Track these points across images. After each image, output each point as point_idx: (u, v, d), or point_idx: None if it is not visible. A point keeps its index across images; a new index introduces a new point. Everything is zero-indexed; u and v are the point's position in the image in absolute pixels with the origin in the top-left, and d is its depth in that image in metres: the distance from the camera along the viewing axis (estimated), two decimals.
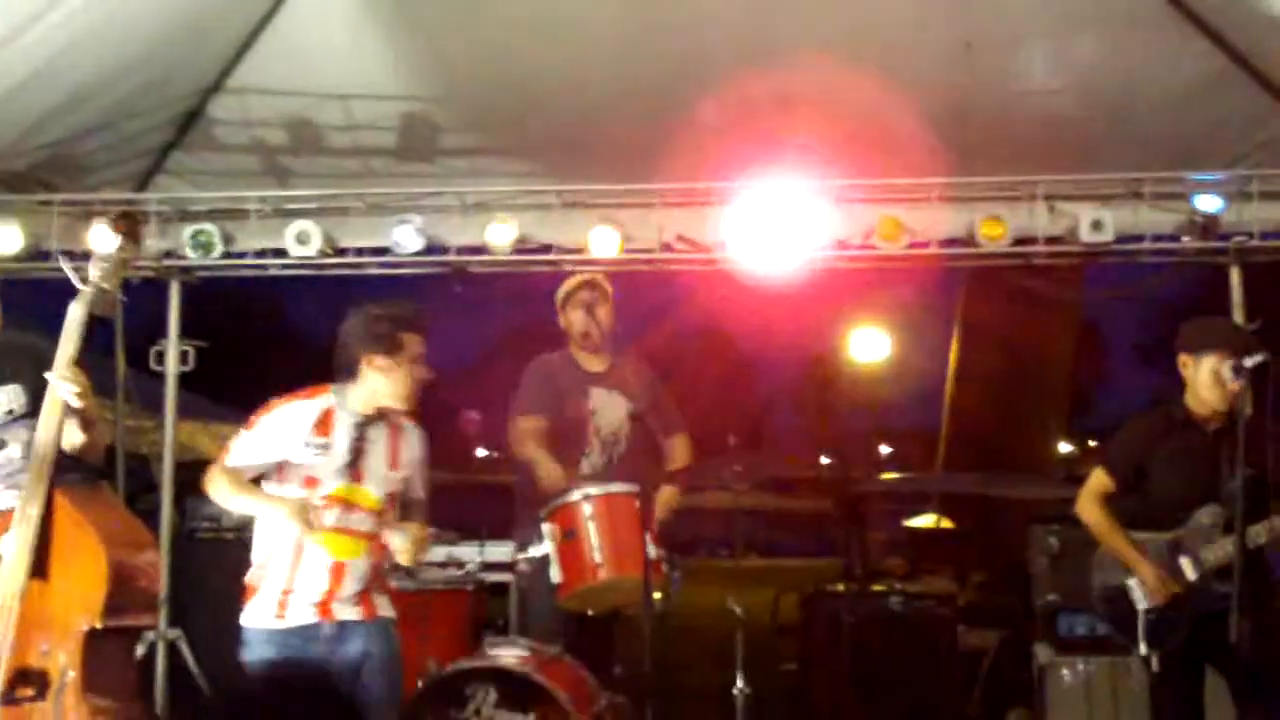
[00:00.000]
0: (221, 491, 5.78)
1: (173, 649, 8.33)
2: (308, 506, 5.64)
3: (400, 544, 5.85)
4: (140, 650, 8.03)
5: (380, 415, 5.90)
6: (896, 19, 8.04)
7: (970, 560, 12.89)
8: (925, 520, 16.15)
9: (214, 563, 8.36)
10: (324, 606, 5.80)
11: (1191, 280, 8.72)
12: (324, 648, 5.81)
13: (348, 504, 5.80)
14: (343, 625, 5.82)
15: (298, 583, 5.78)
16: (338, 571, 5.81)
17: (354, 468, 5.81)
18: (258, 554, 5.88)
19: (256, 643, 5.80)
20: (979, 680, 9.54)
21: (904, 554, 12.84)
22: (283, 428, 5.80)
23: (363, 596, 5.89)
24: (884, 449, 29.81)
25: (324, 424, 5.81)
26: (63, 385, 5.14)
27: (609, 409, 7.71)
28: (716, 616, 7.36)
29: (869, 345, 24.94)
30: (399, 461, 5.96)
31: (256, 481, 5.84)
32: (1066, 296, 13.98)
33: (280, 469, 5.81)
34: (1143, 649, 5.94)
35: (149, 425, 9.59)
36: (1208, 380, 6.01)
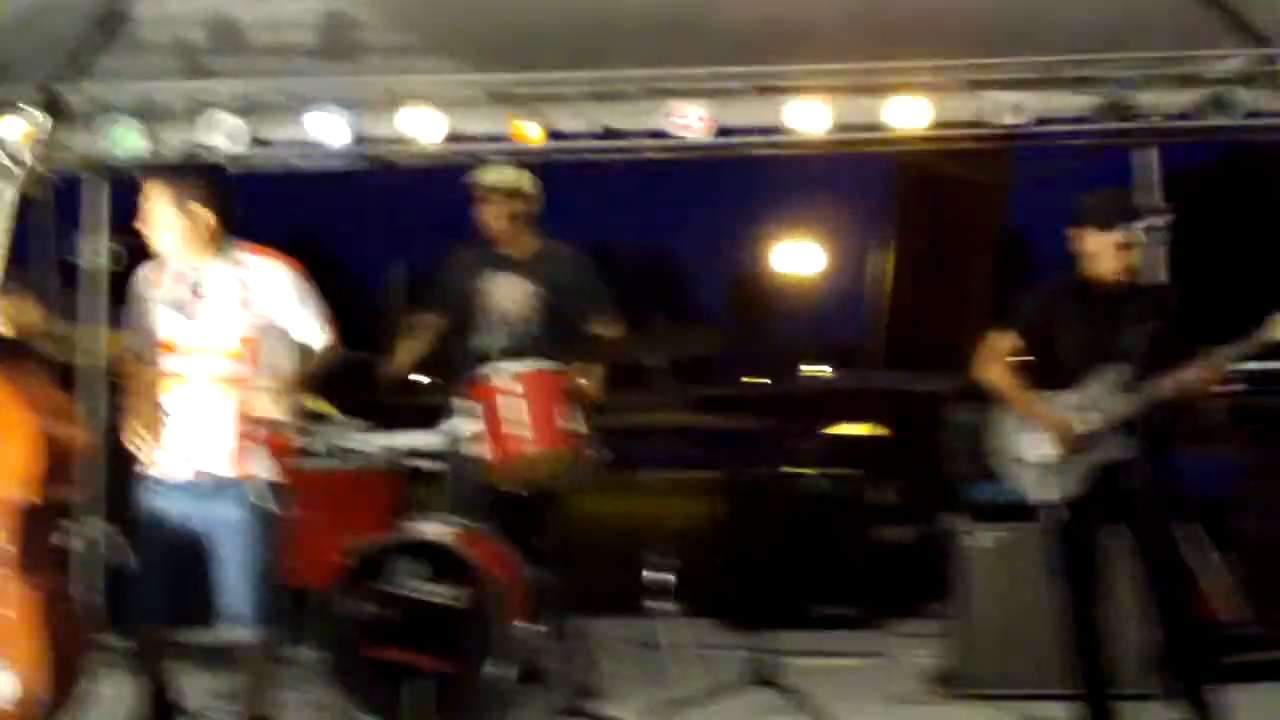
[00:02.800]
0: (126, 378, 6.04)
1: (108, 543, 8.38)
2: (158, 376, 5.84)
3: (259, 394, 5.84)
4: (76, 544, 8.12)
5: (220, 259, 5.93)
6: None
7: (898, 465, 13.06)
8: (852, 428, 16.33)
9: None
10: (190, 459, 5.87)
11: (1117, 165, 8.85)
12: (199, 499, 5.86)
13: (188, 350, 5.87)
14: (217, 479, 5.86)
15: (170, 434, 5.86)
16: (195, 419, 5.85)
17: (188, 312, 5.88)
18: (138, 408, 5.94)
19: (142, 494, 5.93)
20: (899, 572, 9.73)
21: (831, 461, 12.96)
22: (135, 291, 6.00)
23: (235, 451, 5.87)
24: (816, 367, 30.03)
25: (160, 277, 5.96)
26: None
27: (513, 292, 7.76)
28: (640, 518, 7.50)
29: (802, 257, 25.19)
30: (247, 301, 5.90)
31: None
32: (994, 184, 14.11)
33: (138, 330, 5.98)
34: (1042, 502, 6.08)
35: (71, 332, 9.56)
36: (1107, 250, 6.10)
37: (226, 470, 5.84)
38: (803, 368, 25.69)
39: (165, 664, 6.04)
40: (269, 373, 5.88)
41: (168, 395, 5.86)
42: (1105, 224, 6.13)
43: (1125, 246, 6.06)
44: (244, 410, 5.83)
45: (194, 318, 5.87)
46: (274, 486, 5.92)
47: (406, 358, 7.71)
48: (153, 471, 5.90)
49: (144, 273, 5.99)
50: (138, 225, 5.92)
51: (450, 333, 7.89)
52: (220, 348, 5.87)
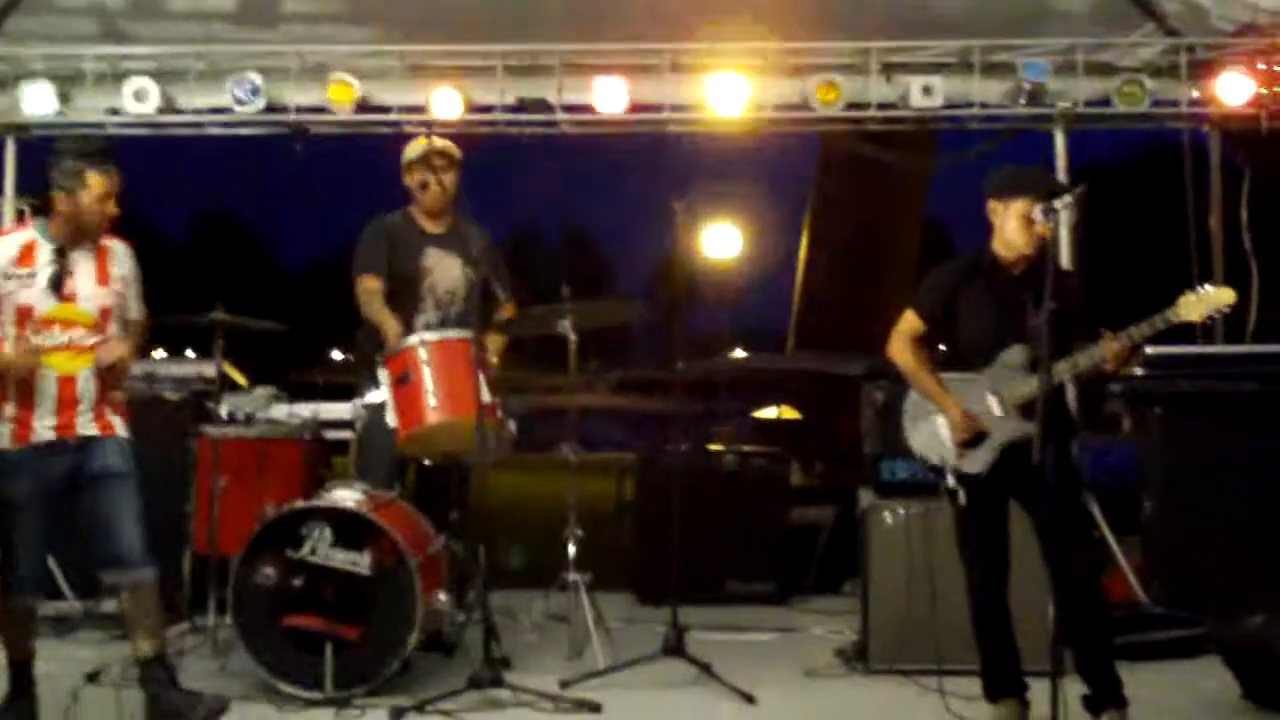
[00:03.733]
0: None
1: None
2: (27, 349, 5.96)
3: (105, 356, 6.12)
4: None
5: (80, 240, 6.16)
6: None
7: (814, 447, 13.12)
8: (771, 412, 16.41)
9: None
10: (64, 422, 6.07)
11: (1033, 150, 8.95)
12: (68, 462, 6.06)
13: (65, 323, 6.08)
14: (85, 440, 6.09)
15: (35, 401, 6.03)
16: (67, 387, 6.08)
17: (60, 290, 6.08)
18: None
19: (7, 463, 5.99)
20: (816, 552, 9.79)
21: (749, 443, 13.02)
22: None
23: (98, 413, 6.15)
24: (739, 352, 30.12)
25: (27, 256, 6.08)
26: None
27: (444, 268, 7.79)
28: (558, 496, 7.50)
29: (722, 240, 25.27)
30: (108, 279, 6.23)
31: None
32: (912, 168, 14.19)
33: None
34: (950, 482, 6.13)
35: None
36: (1016, 224, 6.14)
37: (93, 430, 6.10)
38: (722, 352, 25.87)
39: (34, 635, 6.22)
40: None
41: (49, 367, 6.06)
42: (1008, 193, 6.17)
43: (1029, 218, 6.11)
44: (102, 372, 6.13)
45: (63, 292, 6.09)
46: (130, 443, 6.22)
47: (394, 328, 7.58)
48: (6, 444, 6.00)
49: (7, 250, 6.08)
50: (104, 205, 6.13)
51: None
52: (84, 320, 6.13)
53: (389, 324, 7.48)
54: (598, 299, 9.29)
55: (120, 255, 6.32)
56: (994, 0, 8.67)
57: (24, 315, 6.02)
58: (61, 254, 6.09)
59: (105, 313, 6.18)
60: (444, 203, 7.81)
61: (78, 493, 6.08)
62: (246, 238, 47.99)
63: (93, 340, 6.13)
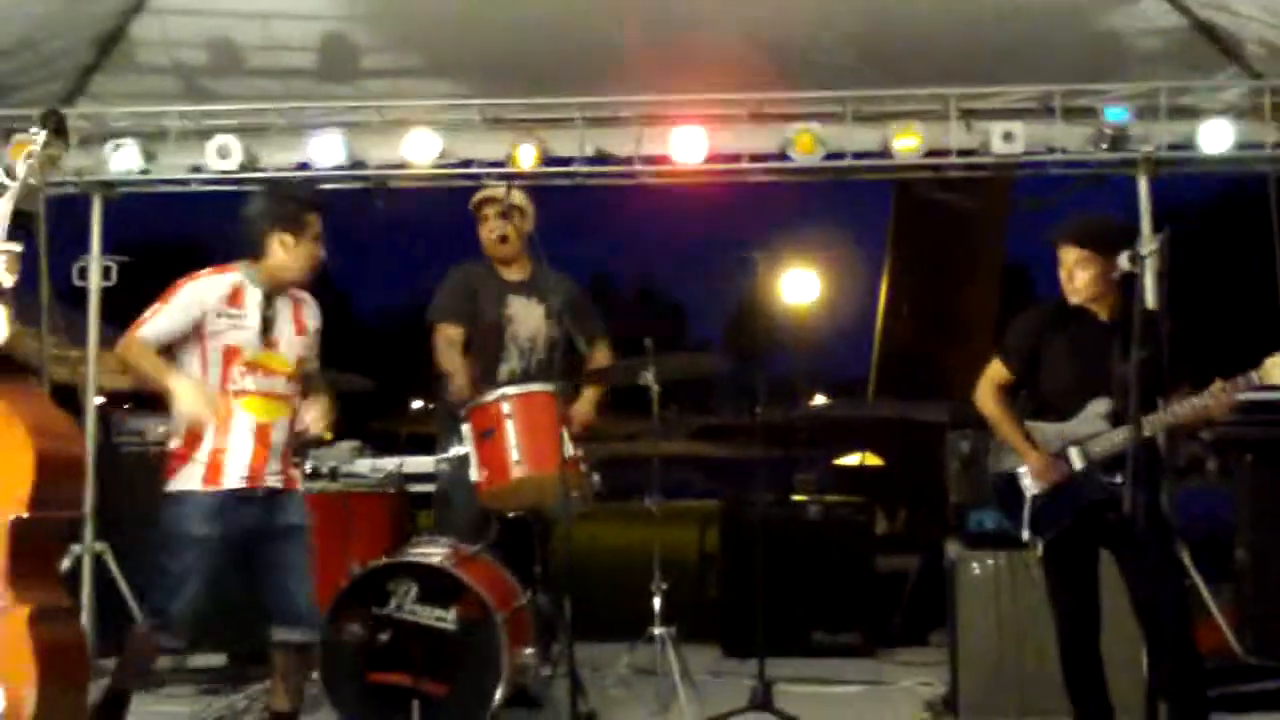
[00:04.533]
0: (132, 365, 6.05)
1: (99, 563, 8.37)
2: (206, 394, 5.95)
3: (314, 413, 6.26)
4: (66, 564, 8.12)
5: (282, 288, 6.25)
6: None
7: (898, 494, 13.05)
8: (853, 459, 16.33)
9: (140, 477, 8.38)
10: (255, 472, 6.08)
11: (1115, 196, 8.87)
12: (254, 515, 6.10)
13: (266, 369, 6.15)
14: (272, 492, 6.13)
15: (230, 444, 6.05)
16: (263, 435, 6.12)
17: (268, 335, 6.16)
18: (178, 420, 6.03)
19: (192, 507, 6.00)
20: (902, 602, 9.71)
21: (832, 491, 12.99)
22: (196, 300, 6.08)
23: (284, 466, 6.22)
24: (819, 397, 30.01)
25: (235, 297, 6.14)
26: None
27: (526, 316, 7.82)
28: (641, 546, 7.49)
29: (801, 286, 25.22)
30: (304, 329, 6.34)
31: (169, 351, 6.08)
32: (991, 219, 14.14)
33: (200, 340, 6.07)
34: (1025, 535, 6.07)
35: (76, 355, 9.62)
36: (1062, 274, 6.10)
37: (279, 483, 6.18)
38: (804, 398, 25.78)
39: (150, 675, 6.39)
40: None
41: (239, 411, 6.11)
42: (1055, 244, 6.14)
43: (1069, 271, 6.07)
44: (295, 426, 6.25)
45: (270, 338, 6.19)
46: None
47: (464, 377, 7.63)
48: (198, 485, 6.03)
49: (219, 289, 6.13)
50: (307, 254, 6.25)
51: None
52: (284, 368, 6.23)
53: (459, 374, 7.53)
54: (678, 350, 9.28)
55: (313, 307, 6.45)
56: (1074, 44, 8.58)
57: (231, 356, 6.09)
58: (269, 300, 6.18)
59: (300, 362, 6.28)
60: (512, 251, 7.84)
61: (257, 545, 6.12)
62: (328, 288, 48.44)
63: (288, 389, 6.23)
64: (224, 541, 6.02)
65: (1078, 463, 6.00)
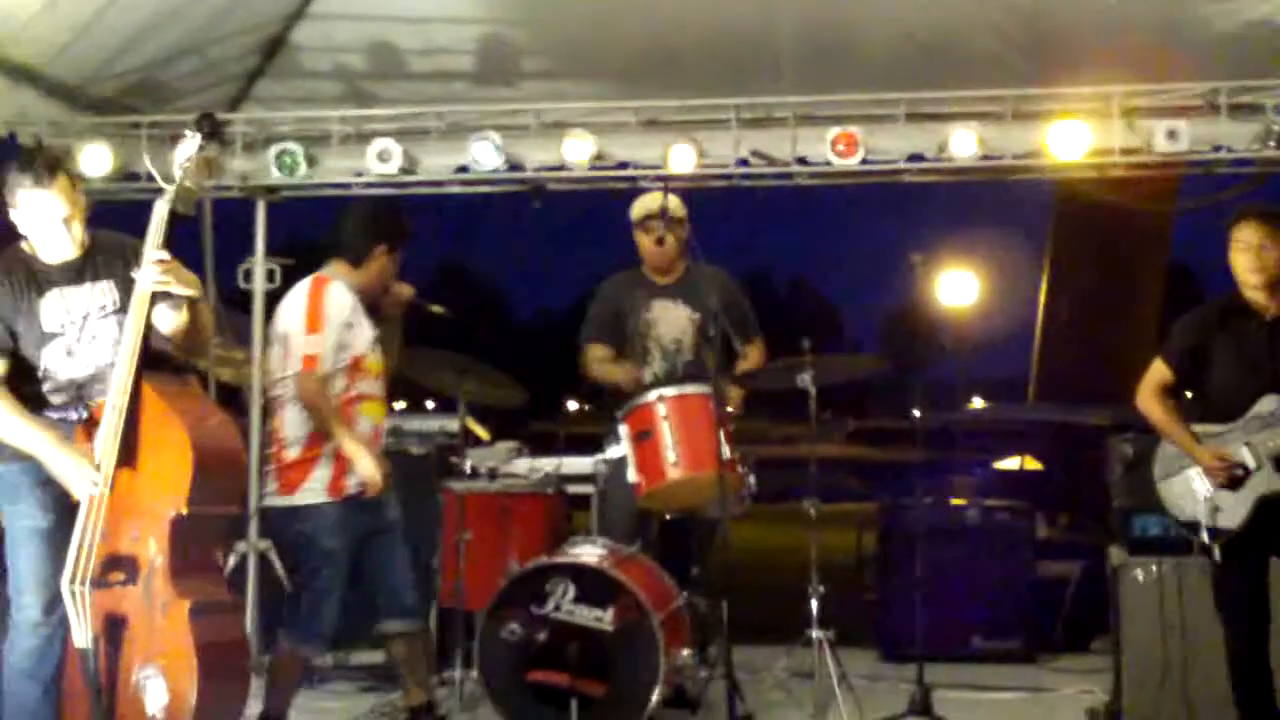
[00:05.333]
0: (316, 410, 6.21)
1: (264, 561, 8.50)
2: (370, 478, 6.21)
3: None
4: (232, 561, 8.27)
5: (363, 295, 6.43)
6: None
7: (1058, 499, 12.86)
8: (1013, 462, 16.13)
9: None
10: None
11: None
12: (369, 515, 6.31)
13: (375, 373, 6.41)
14: (372, 499, 6.28)
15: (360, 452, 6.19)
16: (377, 436, 6.40)
17: (375, 342, 6.40)
18: (295, 429, 6.25)
19: (322, 519, 6.19)
20: (1063, 608, 9.56)
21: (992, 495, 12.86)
22: (341, 317, 6.27)
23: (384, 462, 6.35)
24: (977, 400, 29.71)
25: (354, 306, 6.35)
26: (147, 272, 5.29)
27: (669, 318, 7.81)
28: (798, 548, 7.45)
29: (959, 287, 24.99)
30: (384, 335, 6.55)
31: None
32: (1154, 221, 13.88)
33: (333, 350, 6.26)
34: (1204, 537, 5.94)
35: (240, 356, 9.81)
36: (1235, 258, 5.96)
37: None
38: (962, 401, 25.50)
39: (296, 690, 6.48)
40: None
41: (360, 417, 6.32)
42: (1230, 228, 6.00)
43: (1243, 249, 5.92)
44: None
45: (371, 340, 6.40)
46: None
47: (626, 374, 7.69)
48: (323, 495, 6.20)
49: (349, 298, 6.34)
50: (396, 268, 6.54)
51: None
52: (380, 371, 6.46)
53: (621, 375, 7.56)
54: (835, 352, 9.21)
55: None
56: (1240, 39, 8.37)
57: (356, 365, 6.30)
58: (361, 304, 6.36)
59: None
60: (668, 259, 7.84)
61: (366, 544, 6.30)
62: (485, 289, 48.81)
63: (382, 388, 6.47)
64: (348, 551, 6.21)
65: (1250, 460, 5.88)
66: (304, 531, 6.18)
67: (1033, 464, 15.46)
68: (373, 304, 6.49)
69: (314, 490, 6.16)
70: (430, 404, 18.30)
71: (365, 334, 6.31)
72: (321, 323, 6.17)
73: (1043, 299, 16.05)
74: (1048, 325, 15.90)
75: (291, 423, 6.23)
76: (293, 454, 6.20)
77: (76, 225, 5.58)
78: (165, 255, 5.30)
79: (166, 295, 5.38)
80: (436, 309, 6.87)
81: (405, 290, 6.67)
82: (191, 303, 5.47)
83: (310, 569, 6.21)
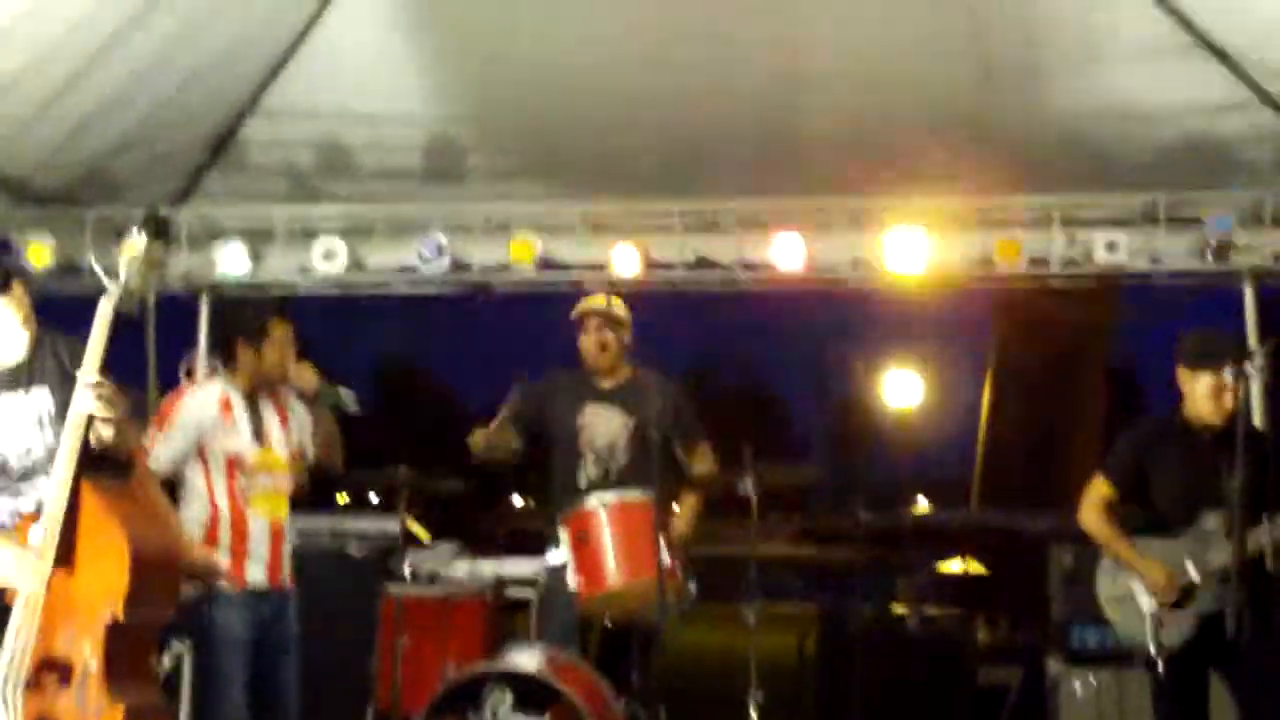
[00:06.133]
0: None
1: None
2: (209, 568, 6.20)
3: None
4: (166, 662, 8.14)
5: (261, 389, 6.54)
6: (915, 41, 8.10)
7: (999, 603, 12.86)
8: (955, 564, 16.13)
9: None
10: (273, 570, 6.38)
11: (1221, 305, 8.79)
12: (272, 609, 6.35)
13: (267, 469, 6.44)
14: (282, 593, 6.41)
15: (249, 548, 6.31)
16: (276, 531, 6.43)
17: (261, 438, 6.45)
18: (195, 513, 6.32)
19: (227, 605, 6.21)
20: (1003, 715, 9.54)
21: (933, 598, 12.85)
22: (193, 419, 6.36)
23: (285, 564, 6.47)
24: (921, 500, 29.72)
25: (226, 408, 6.42)
26: (84, 395, 5.24)
27: (601, 422, 7.75)
28: (739, 651, 7.41)
29: (902, 389, 25.04)
30: (286, 418, 6.61)
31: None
32: (1095, 327, 13.99)
33: (201, 454, 6.33)
34: (1151, 649, 5.96)
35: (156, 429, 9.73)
36: (1204, 395, 6.06)
37: (288, 581, 6.47)
38: (904, 503, 25.50)
39: None
40: None
41: (253, 516, 6.37)
42: (1195, 364, 6.09)
43: (1217, 389, 6.01)
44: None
45: (264, 438, 6.48)
46: None
47: (483, 440, 7.70)
48: (226, 584, 6.23)
49: (211, 403, 6.42)
50: (277, 358, 6.51)
51: (548, 462, 7.87)
52: (280, 465, 6.52)
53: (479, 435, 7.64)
54: (779, 449, 9.21)
55: (289, 394, 6.64)
56: (1177, 153, 8.49)
57: (234, 464, 6.34)
58: (253, 404, 6.46)
59: (293, 456, 6.57)
60: (608, 361, 7.80)
61: (266, 653, 6.28)
62: (429, 384, 48.64)
63: (289, 483, 6.53)
64: (254, 641, 6.23)
65: (1194, 575, 5.92)
66: (209, 615, 6.18)
67: (976, 567, 15.49)
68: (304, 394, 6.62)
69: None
70: (374, 497, 18.23)
71: (242, 432, 6.39)
72: (167, 423, 6.33)
73: (985, 401, 16.12)
74: (990, 428, 15.95)
75: (188, 515, 6.30)
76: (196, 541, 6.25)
77: (23, 330, 5.56)
78: (99, 380, 5.26)
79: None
80: (346, 400, 6.82)
81: (306, 375, 6.65)
82: (119, 421, 5.44)
83: (213, 655, 6.20)
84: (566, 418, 7.75)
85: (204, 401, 6.41)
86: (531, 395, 7.81)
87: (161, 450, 6.23)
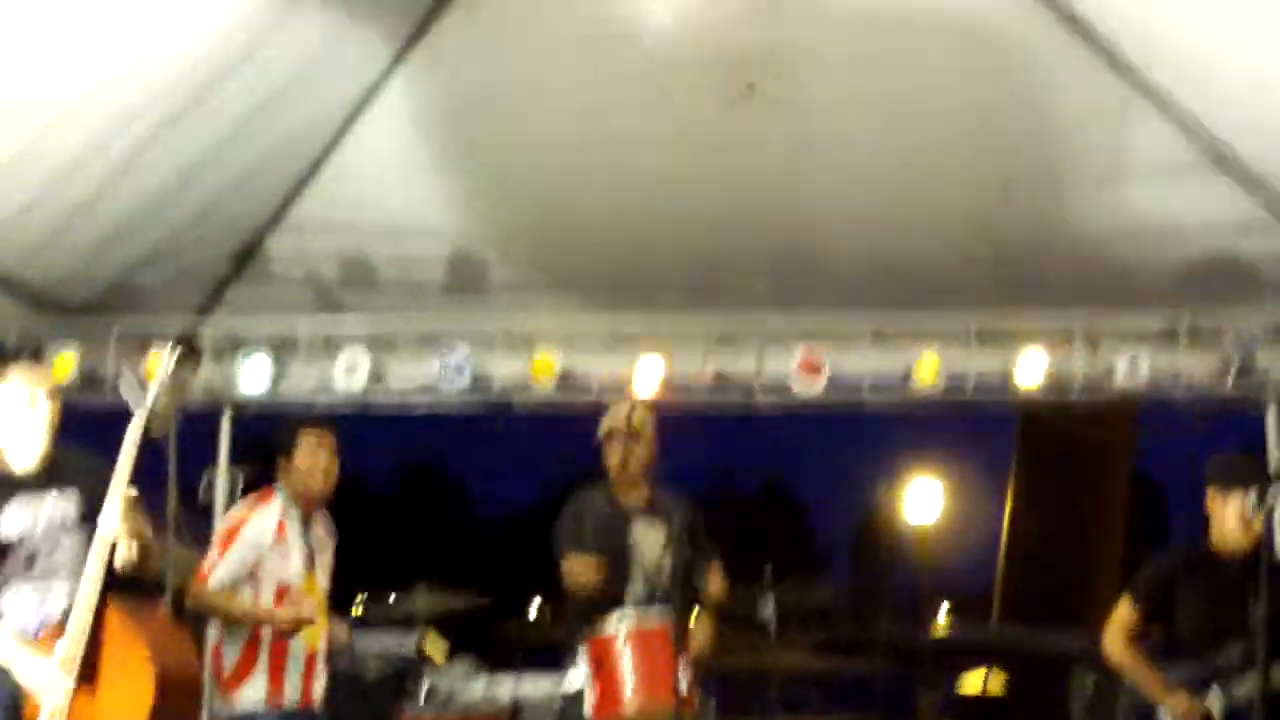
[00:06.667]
0: (215, 612, 6.35)
1: None
2: (299, 618, 6.27)
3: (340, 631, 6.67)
4: None
5: (310, 509, 6.57)
6: (936, 156, 8.19)
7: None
8: (976, 678, 16.00)
9: None
10: (305, 691, 6.40)
11: (1242, 421, 8.77)
12: None
13: (310, 596, 6.46)
14: (311, 713, 6.43)
15: (288, 664, 6.34)
16: (312, 655, 6.45)
17: (311, 566, 6.48)
18: (232, 641, 6.35)
19: None
20: None
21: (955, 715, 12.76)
22: (253, 543, 6.38)
23: (317, 683, 6.49)
24: (942, 613, 29.53)
25: (281, 530, 6.44)
26: (113, 516, 5.24)
27: (650, 540, 7.72)
28: None
29: (924, 502, 24.97)
30: (328, 548, 6.69)
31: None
32: (1117, 443, 13.95)
33: (254, 576, 6.34)
34: None
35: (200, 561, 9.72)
36: (1235, 520, 6.02)
37: (315, 699, 6.49)
38: (927, 613, 25.34)
39: None
40: None
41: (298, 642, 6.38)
42: (1227, 486, 6.06)
43: (1245, 517, 5.98)
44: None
45: (312, 569, 6.50)
46: None
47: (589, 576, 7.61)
48: (262, 702, 6.28)
49: (269, 526, 6.41)
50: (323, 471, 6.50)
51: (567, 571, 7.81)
52: (320, 594, 6.56)
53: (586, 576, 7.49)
54: (800, 559, 9.16)
55: (330, 523, 6.69)
56: (1200, 271, 8.51)
57: (283, 593, 6.33)
58: (308, 526, 6.49)
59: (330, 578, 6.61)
60: (636, 475, 7.77)
61: None
62: (449, 488, 48.65)
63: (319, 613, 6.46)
64: None
65: (1217, 704, 5.87)
66: None
67: (996, 685, 15.35)
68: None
69: (251, 696, 6.22)
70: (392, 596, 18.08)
71: (294, 558, 6.40)
72: (229, 543, 6.37)
73: (1008, 516, 16.04)
74: (1012, 544, 15.86)
75: (227, 633, 6.30)
76: (229, 663, 6.20)
77: (48, 432, 5.58)
78: (128, 500, 5.27)
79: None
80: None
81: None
82: (145, 543, 5.44)
83: None
84: (615, 537, 7.66)
85: (265, 523, 6.41)
86: (575, 515, 7.75)
87: (223, 572, 6.28)
